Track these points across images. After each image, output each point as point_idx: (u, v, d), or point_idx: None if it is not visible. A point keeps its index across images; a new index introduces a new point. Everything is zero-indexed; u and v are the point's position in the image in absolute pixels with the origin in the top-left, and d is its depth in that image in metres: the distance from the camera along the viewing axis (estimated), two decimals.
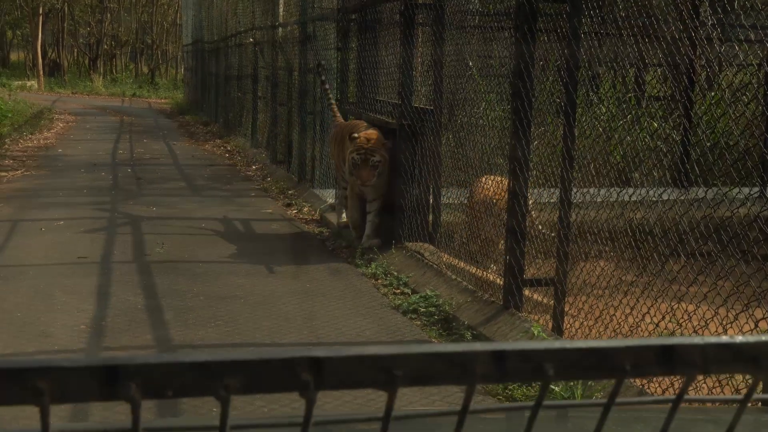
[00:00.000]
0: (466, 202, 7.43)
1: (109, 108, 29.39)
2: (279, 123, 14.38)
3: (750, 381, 0.49)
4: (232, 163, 15.70)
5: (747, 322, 4.06)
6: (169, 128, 22.72)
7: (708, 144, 8.07)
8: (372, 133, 8.23)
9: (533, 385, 4.82)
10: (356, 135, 8.12)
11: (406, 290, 6.99)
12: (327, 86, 10.22)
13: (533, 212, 6.41)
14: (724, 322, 4.26)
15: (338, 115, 9.69)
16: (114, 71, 48.76)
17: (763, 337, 0.46)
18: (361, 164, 8.05)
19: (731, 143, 6.79)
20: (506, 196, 6.10)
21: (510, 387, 4.85)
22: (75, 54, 52.27)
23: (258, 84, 16.77)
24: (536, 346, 0.47)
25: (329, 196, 10.27)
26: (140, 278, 7.16)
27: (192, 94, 29.46)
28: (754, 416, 1.64)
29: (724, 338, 0.46)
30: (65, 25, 46.59)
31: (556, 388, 4.59)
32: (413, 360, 0.45)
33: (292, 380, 0.45)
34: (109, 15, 47.57)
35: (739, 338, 0.47)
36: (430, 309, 6.37)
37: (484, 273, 6.80)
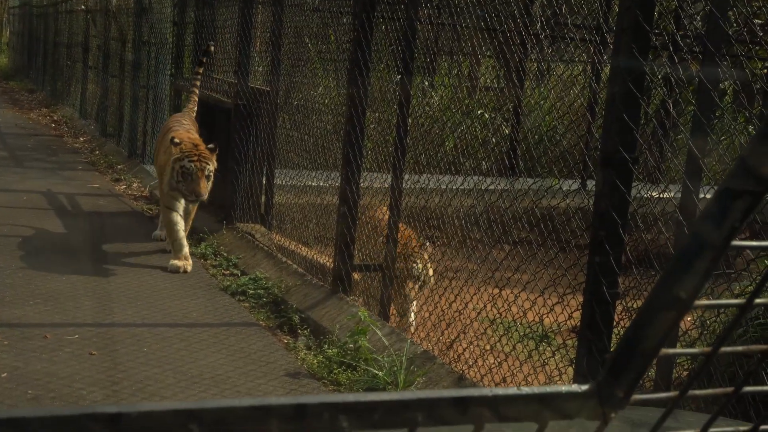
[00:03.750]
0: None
1: None
2: (110, 95, 13.94)
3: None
4: (58, 133, 15.11)
5: (563, 312, 4.25)
6: None
7: (534, 137, 8.37)
8: (196, 137, 7.31)
9: (358, 368, 4.89)
10: (178, 140, 6.97)
11: (236, 271, 6.94)
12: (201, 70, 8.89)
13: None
14: (542, 312, 4.45)
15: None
16: None
17: (548, 388, 0.50)
18: (198, 174, 6.89)
19: (557, 138, 7.06)
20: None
21: (335, 371, 4.90)
22: None
23: (89, 53, 16.19)
24: (333, 399, 0.48)
25: None
26: None
27: (18, 59, 28.16)
28: None
29: (511, 390, 0.49)
30: None
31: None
32: (209, 414, 0.45)
33: None
34: None
35: (525, 389, 0.50)
36: (259, 291, 6.35)
37: (315, 256, 6.83)
